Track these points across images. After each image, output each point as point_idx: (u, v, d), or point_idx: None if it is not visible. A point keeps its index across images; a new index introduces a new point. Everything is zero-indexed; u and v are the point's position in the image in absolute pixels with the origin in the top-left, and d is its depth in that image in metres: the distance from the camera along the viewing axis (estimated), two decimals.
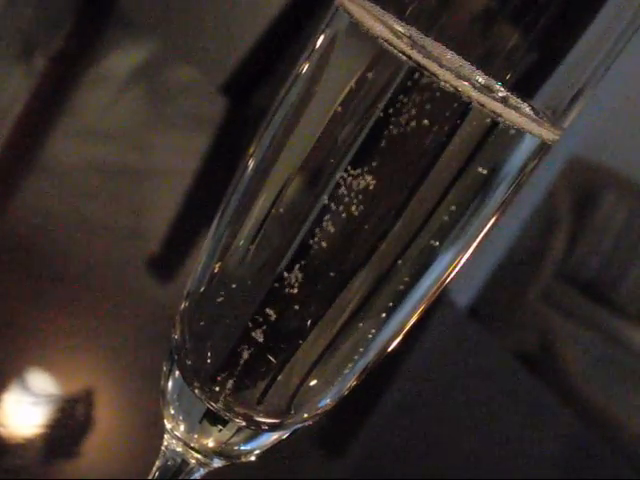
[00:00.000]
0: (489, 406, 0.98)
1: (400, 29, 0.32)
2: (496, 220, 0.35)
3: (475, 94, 0.31)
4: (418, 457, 0.80)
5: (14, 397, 0.57)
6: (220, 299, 0.36)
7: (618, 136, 2.69)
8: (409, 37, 0.31)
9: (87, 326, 0.68)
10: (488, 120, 0.31)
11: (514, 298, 2.58)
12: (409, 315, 0.36)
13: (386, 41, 0.31)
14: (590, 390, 2.29)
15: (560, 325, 2.56)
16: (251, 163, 0.36)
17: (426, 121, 0.31)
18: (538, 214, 2.49)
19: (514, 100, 0.32)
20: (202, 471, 0.40)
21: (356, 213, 0.33)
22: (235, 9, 1.90)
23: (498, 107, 0.31)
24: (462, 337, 1.15)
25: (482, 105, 0.31)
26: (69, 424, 0.58)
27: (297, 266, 0.33)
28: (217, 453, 0.38)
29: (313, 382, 0.36)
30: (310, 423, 0.38)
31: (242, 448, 0.38)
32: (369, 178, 0.32)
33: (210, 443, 0.38)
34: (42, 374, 0.61)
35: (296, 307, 0.34)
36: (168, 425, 0.39)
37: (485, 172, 0.32)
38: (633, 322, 2.71)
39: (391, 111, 0.31)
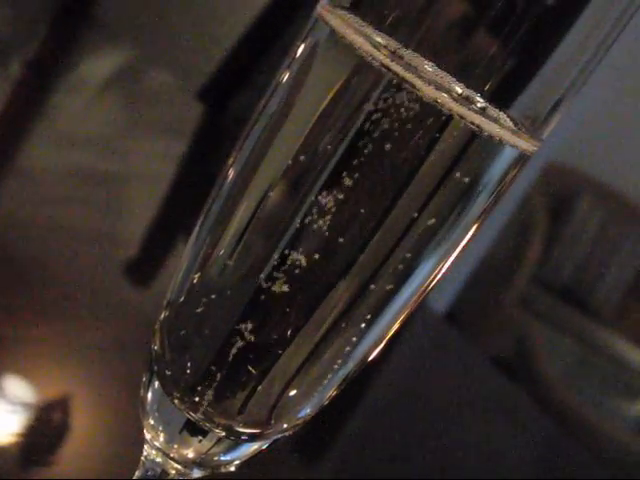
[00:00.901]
0: (466, 410, 0.98)
1: (379, 40, 0.32)
2: (475, 230, 0.35)
3: (454, 105, 0.31)
4: (396, 462, 0.80)
5: None
6: (200, 309, 0.36)
7: (593, 142, 2.70)
8: (388, 48, 0.31)
9: (64, 333, 0.67)
10: (467, 131, 0.31)
11: (491, 303, 2.59)
12: (390, 325, 0.36)
13: (365, 52, 0.31)
14: (566, 394, 2.30)
15: (536, 330, 2.57)
16: (231, 173, 0.36)
17: (406, 132, 0.31)
18: (514, 220, 2.50)
19: (493, 111, 0.32)
20: None
21: (337, 224, 0.33)
22: (212, 16, 1.89)
23: (477, 118, 0.31)
24: (439, 342, 1.15)
25: (461, 116, 0.31)
26: (46, 432, 0.58)
27: (277, 276, 0.33)
28: (197, 463, 0.38)
29: (293, 392, 0.36)
30: (290, 433, 0.38)
31: (222, 458, 0.38)
32: (350, 188, 0.32)
33: (190, 454, 0.38)
34: (19, 381, 0.60)
35: (276, 317, 0.34)
36: (148, 435, 0.39)
37: (464, 183, 0.32)
38: (609, 327, 2.72)
39: (371, 122, 0.31)
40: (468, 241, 0.35)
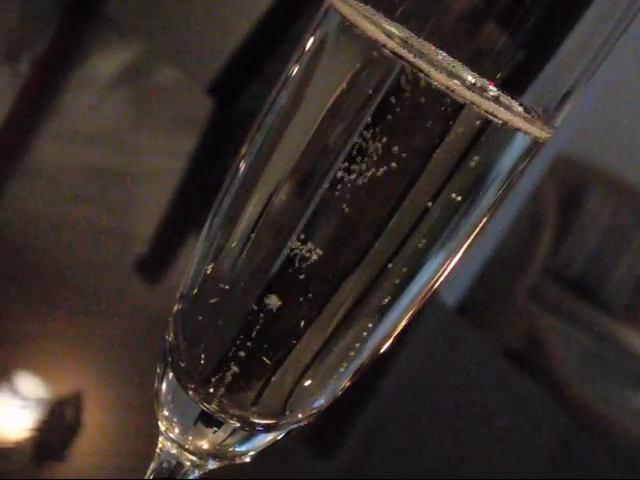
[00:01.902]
0: (478, 403, 0.98)
1: (391, 29, 0.32)
2: (487, 220, 0.35)
3: (467, 93, 0.31)
4: (407, 456, 0.80)
5: (2, 400, 0.57)
6: (213, 300, 0.36)
7: (603, 134, 2.69)
8: (400, 37, 0.31)
9: (75, 328, 0.68)
10: (480, 119, 0.31)
11: (502, 296, 2.59)
12: (401, 316, 0.36)
13: (378, 41, 0.31)
14: (578, 386, 2.30)
15: (547, 322, 2.56)
16: (243, 165, 0.36)
17: (419, 121, 0.31)
18: (524, 212, 2.50)
19: (506, 99, 0.32)
20: (197, 473, 0.40)
21: (348, 215, 0.32)
22: (221, 10, 1.89)
23: (490, 106, 0.31)
24: (451, 335, 1.15)
25: (474, 104, 0.31)
26: (58, 427, 0.58)
27: (290, 268, 0.33)
28: (212, 455, 0.38)
29: (307, 383, 0.36)
30: (305, 423, 0.38)
31: (237, 449, 0.38)
32: (361, 179, 0.32)
33: (205, 445, 0.38)
34: (30, 377, 0.61)
35: (290, 308, 0.34)
36: (162, 427, 0.39)
37: (478, 170, 0.32)
38: (620, 318, 2.72)
39: (383, 112, 0.31)
40: (480, 232, 0.35)
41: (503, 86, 0.32)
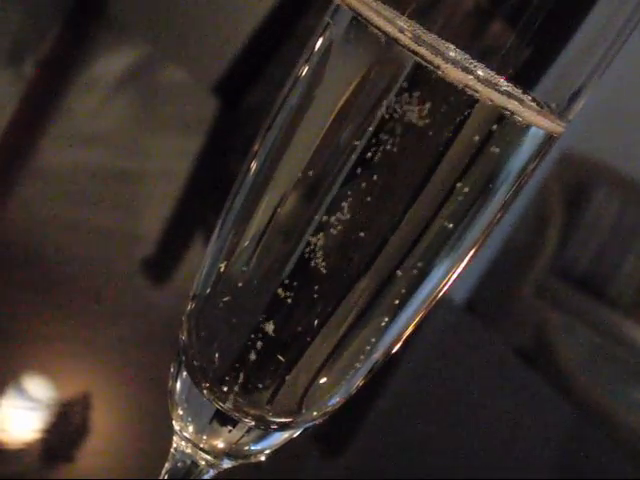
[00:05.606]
0: (486, 400, 0.98)
1: (403, 25, 0.31)
2: (501, 217, 0.35)
3: (481, 88, 0.31)
4: (416, 454, 0.80)
5: (11, 402, 0.57)
6: (226, 299, 0.36)
7: (610, 131, 2.69)
8: (413, 33, 0.31)
9: (83, 330, 0.68)
10: (494, 113, 0.31)
11: (509, 293, 2.59)
12: (414, 316, 0.36)
13: (390, 37, 0.31)
14: (585, 382, 2.29)
15: (554, 319, 2.56)
16: (254, 164, 0.36)
17: (432, 117, 0.31)
18: (531, 209, 2.50)
19: (519, 93, 0.32)
20: (212, 472, 0.40)
21: (362, 213, 0.32)
22: (225, 10, 1.89)
23: (504, 100, 0.31)
24: (459, 332, 1.15)
25: (488, 98, 0.31)
26: (67, 428, 0.58)
27: (302, 266, 0.33)
28: (227, 454, 0.38)
29: (322, 381, 0.36)
30: (320, 421, 0.38)
31: (252, 448, 0.38)
32: (375, 177, 0.32)
33: (220, 444, 0.38)
34: (39, 379, 0.61)
35: (303, 306, 0.34)
36: (177, 426, 0.39)
37: (492, 166, 0.32)
38: (626, 315, 2.72)
39: (397, 108, 0.31)
40: (493, 228, 0.35)
41: (515, 81, 0.32)
